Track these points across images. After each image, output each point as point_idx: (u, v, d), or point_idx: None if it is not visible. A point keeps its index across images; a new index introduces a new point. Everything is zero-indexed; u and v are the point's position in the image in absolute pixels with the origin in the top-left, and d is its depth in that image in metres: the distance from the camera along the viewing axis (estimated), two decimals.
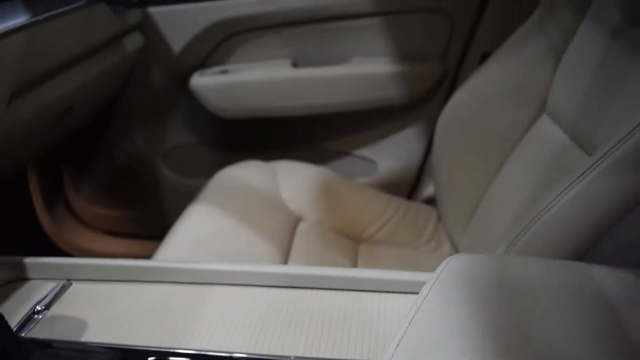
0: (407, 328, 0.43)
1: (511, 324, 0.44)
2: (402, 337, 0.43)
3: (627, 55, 0.75)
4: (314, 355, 0.50)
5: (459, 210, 1.06)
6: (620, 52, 0.77)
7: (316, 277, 0.60)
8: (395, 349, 0.42)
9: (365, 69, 1.28)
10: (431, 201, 1.30)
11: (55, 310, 0.57)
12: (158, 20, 1.24)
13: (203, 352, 0.49)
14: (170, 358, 0.48)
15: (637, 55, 0.73)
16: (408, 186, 1.40)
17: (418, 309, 0.46)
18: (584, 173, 0.63)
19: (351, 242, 1.09)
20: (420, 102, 1.32)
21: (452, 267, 0.52)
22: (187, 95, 1.34)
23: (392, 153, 1.37)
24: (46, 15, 0.83)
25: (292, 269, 0.61)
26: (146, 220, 1.45)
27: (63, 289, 0.60)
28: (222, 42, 1.29)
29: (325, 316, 0.55)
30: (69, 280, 0.61)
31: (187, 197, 1.17)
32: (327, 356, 0.50)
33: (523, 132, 0.99)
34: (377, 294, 0.59)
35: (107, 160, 1.41)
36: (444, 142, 1.10)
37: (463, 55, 1.28)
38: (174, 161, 1.41)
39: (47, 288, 0.60)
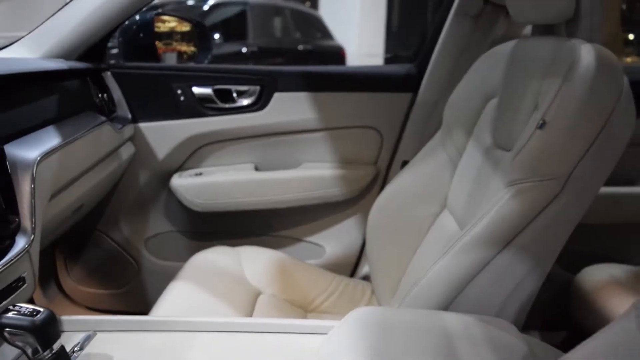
0: (320, 349, 0.71)
1: (384, 351, 0.72)
2: (318, 355, 0.70)
3: (491, 168, 1.08)
4: None
5: (386, 284, 1.34)
6: (488, 166, 1.10)
7: (259, 324, 0.88)
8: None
9: (313, 172, 1.60)
10: (368, 278, 1.58)
11: (86, 351, 0.82)
12: (146, 133, 1.55)
13: None
14: None
15: (496, 169, 1.05)
16: (350, 266, 1.69)
17: (330, 337, 0.73)
18: (450, 248, 0.93)
19: (301, 311, 1.35)
20: (357, 198, 1.64)
21: (356, 314, 0.80)
22: (166, 192, 1.62)
23: (336, 239, 1.67)
24: (72, 137, 1.12)
25: (247, 319, 0.88)
26: (128, 298, 1.68)
27: (90, 337, 0.85)
28: (197, 150, 1.60)
29: (269, 341, 0.83)
30: (94, 331, 0.86)
31: (165, 277, 1.41)
32: None
33: (432, 223, 1.29)
34: (304, 335, 0.86)
35: (96, 245, 1.65)
36: (374, 231, 1.39)
37: (390, 162, 1.62)
38: (154, 247, 1.67)
39: (79, 337, 0.85)
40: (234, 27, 6.32)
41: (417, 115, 1.58)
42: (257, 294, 1.32)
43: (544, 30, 1.09)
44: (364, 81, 1.61)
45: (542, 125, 0.86)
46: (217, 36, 6.04)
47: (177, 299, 1.22)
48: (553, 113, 0.86)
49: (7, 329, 0.69)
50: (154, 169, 1.58)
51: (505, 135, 1.07)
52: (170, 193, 1.60)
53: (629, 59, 9.49)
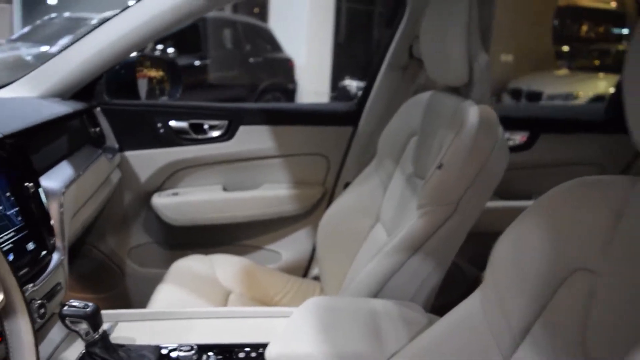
0: (285, 327, 1.04)
1: (331, 326, 1.06)
2: (284, 330, 1.03)
3: (410, 192, 1.43)
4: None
5: (333, 283, 1.66)
6: (408, 190, 1.44)
7: (237, 311, 1.20)
8: (281, 336, 1.02)
9: (272, 192, 1.92)
10: (318, 278, 1.91)
11: (113, 335, 1.12)
12: (130, 160, 1.83)
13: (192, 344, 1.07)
14: (181, 347, 1.05)
15: (414, 193, 1.40)
16: (303, 268, 2.02)
17: (292, 318, 1.06)
18: (377, 253, 1.28)
19: (264, 306, 1.67)
20: (308, 213, 1.97)
21: (310, 301, 1.13)
22: (147, 209, 1.90)
23: (291, 247, 1.99)
24: (83, 170, 1.40)
25: (228, 308, 1.20)
26: (114, 302, 1.95)
27: (113, 326, 1.15)
28: (174, 173, 1.89)
29: (245, 323, 1.15)
30: (116, 321, 1.16)
31: (146, 283, 1.68)
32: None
33: (368, 233, 1.62)
34: (272, 318, 1.19)
35: (84, 256, 1.92)
36: (322, 239, 1.71)
37: (335, 183, 1.96)
38: (137, 256, 1.94)
39: (105, 326, 1.14)
40: (188, 41, 6.55)
41: (357, 145, 1.93)
42: (228, 293, 1.62)
43: (452, 88, 1.44)
44: (314, 116, 1.94)
45: (440, 167, 1.22)
46: (171, 50, 6.26)
47: (166, 298, 1.51)
48: (447, 158, 1.21)
49: (67, 318, 0.99)
50: (137, 189, 1.87)
51: (421, 167, 1.42)
52: (151, 210, 1.88)
53: (561, 72, 10.18)
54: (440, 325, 0.89)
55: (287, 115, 1.94)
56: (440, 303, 1.37)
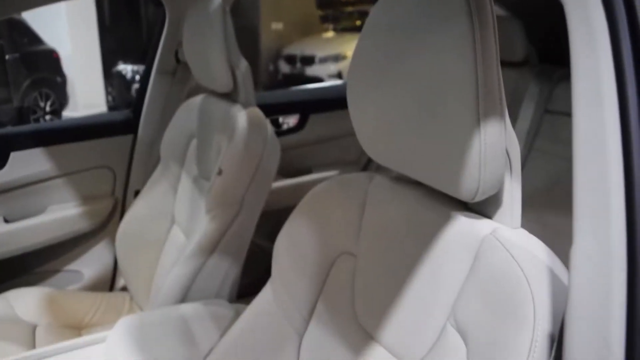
0: (103, 354, 1.09)
1: (145, 345, 1.13)
2: (104, 354, 1.08)
3: (199, 193, 1.51)
4: None
5: (141, 291, 1.70)
6: (197, 192, 1.53)
7: (46, 352, 1.20)
8: None
9: (60, 213, 1.86)
10: (126, 288, 1.93)
11: None
12: None
13: None
14: None
15: (202, 195, 1.49)
16: (108, 282, 2.01)
17: (108, 343, 1.11)
18: (178, 258, 1.36)
19: (76, 331, 1.65)
20: (103, 226, 1.96)
21: (122, 322, 1.18)
22: None
23: (92, 263, 1.96)
24: None
25: (35, 351, 1.20)
26: None
27: None
28: None
29: None
30: None
31: None
32: None
33: (166, 236, 1.68)
34: (87, 347, 1.22)
35: None
36: (122, 250, 1.71)
37: (125, 193, 1.97)
38: None
39: None
40: None
41: (140, 152, 1.95)
42: (34, 328, 1.57)
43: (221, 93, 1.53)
44: (91, 129, 1.91)
45: (220, 173, 1.33)
46: None
47: None
48: (225, 164, 1.33)
49: None
50: None
51: (204, 169, 1.52)
52: None
53: (328, 35, 10.89)
54: (244, 318, 1.02)
55: (62, 132, 1.88)
56: (249, 282, 1.50)
